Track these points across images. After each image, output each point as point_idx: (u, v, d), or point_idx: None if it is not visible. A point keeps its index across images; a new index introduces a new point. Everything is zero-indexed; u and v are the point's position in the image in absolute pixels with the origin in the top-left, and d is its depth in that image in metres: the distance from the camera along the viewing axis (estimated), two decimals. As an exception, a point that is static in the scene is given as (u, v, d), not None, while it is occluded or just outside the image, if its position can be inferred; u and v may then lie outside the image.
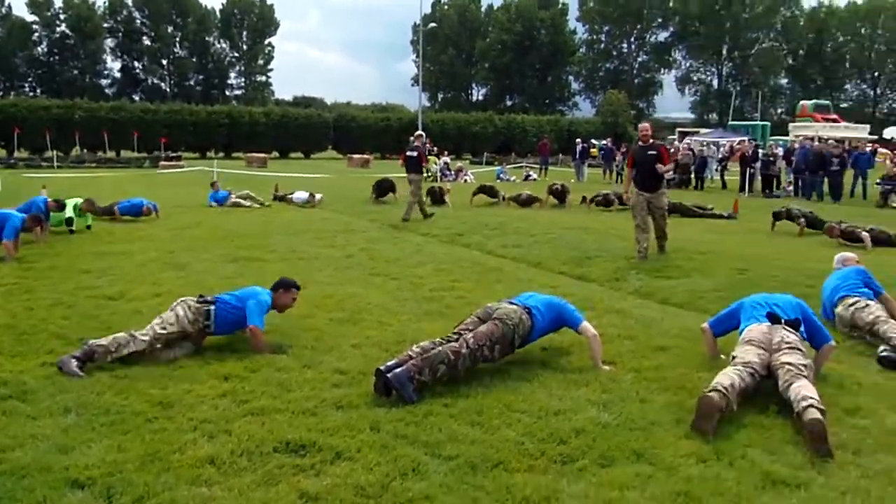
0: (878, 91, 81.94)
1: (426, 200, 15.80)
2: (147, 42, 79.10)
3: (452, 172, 29.22)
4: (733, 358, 4.54)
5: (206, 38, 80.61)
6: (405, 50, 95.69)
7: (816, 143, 25.83)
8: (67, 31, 73.40)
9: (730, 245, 11.45)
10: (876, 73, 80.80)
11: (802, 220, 13.07)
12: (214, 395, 4.48)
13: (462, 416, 4.17)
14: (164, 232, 12.03)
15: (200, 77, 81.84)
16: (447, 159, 31.92)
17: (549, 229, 12.81)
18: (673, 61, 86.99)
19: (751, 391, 4.31)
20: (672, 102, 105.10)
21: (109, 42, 77.79)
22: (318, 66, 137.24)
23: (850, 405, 4.42)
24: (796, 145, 25.48)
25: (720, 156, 29.83)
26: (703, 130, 54.46)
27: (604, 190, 18.65)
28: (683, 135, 47.81)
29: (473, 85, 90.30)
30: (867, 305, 6.00)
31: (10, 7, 72.39)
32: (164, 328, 5.20)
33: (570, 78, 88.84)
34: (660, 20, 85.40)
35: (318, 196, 17.56)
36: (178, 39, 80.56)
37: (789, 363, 4.33)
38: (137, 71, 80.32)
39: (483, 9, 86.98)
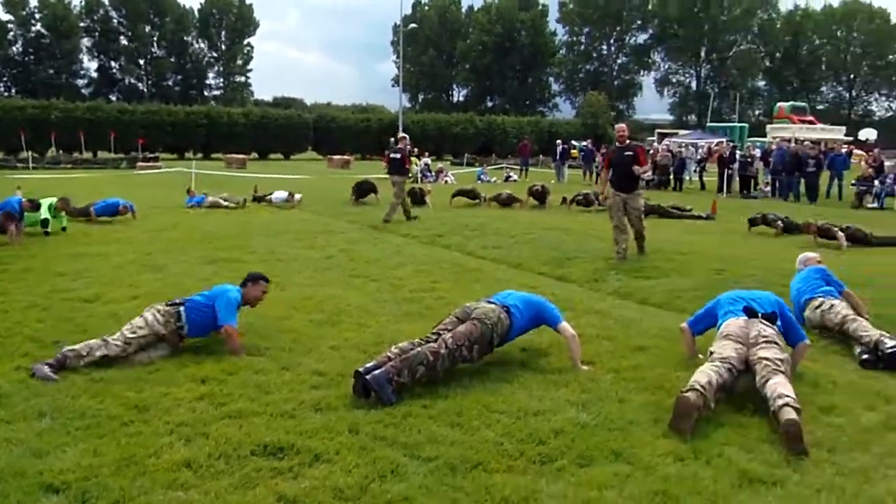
0: (854, 93, 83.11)
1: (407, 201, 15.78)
2: (124, 42, 78.23)
3: (433, 174, 29.24)
4: (711, 353, 4.57)
5: (185, 38, 79.90)
6: (385, 50, 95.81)
7: (793, 144, 26.12)
8: (43, 31, 72.36)
9: (708, 245, 11.54)
10: (851, 76, 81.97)
11: (779, 222, 13.21)
12: (191, 397, 4.44)
13: (441, 417, 4.17)
14: (142, 233, 11.91)
15: (178, 77, 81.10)
16: (428, 160, 31.93)
17: (529, 230, 12.85)
18: (652, 63, 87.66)
19: (729, 386, 4.35)
20: (651, 104, 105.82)
21: (86, 41, 76.86)
22: (298, 67, 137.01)
23: (826, 403, 4.48)
24: (773, 146, 25.75)
25: (698, 157, 30.10)
26: (681, 132, 54.86)
27: (584, 190, 18.75)
28: (662, 136, 48.16)
29: (454, 86, 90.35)
30: (832, 306, 6.07)
31: (-16, 6, 71.39)
32: (133, 332, 5.16)
33: (551, 79, 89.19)
34: (639, 22, 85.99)
35: (297, 196, 17.48)
36: (155, 39, 79.77)
37: (766, 358, 4.36)
38: (114, 71, 79.41)
39: (463, 10, 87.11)
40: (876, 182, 20.46)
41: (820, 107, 76.74)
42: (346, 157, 42.38)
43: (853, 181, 21.53)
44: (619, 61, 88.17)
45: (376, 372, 4.42)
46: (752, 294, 5.18)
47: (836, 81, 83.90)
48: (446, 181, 28.24)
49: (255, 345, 5.49)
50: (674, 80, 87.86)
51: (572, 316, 6.47)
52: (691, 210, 16.37)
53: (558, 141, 33.55)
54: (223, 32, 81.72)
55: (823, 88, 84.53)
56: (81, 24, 75.27)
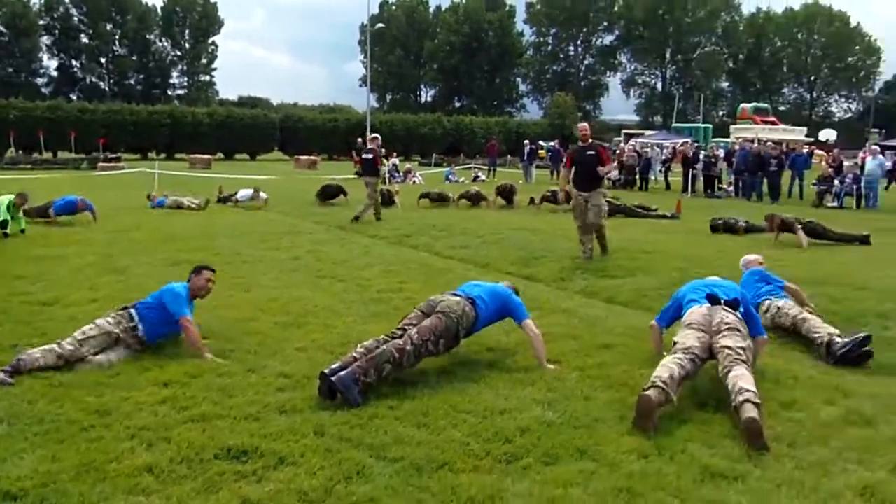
0: (814, 94, 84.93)
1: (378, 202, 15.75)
2: (85, 40, 76.82)
3: (401, 174, 29.18)
4: (675, 344, 4.61)
5: (147, 37, 78.68)
6: (353, 50, 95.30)
7: (756, 144, 26.58)
8: (1, 29, 70.71)
9: (673, 245, 11.68)
10: (812, 78, 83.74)
11: (742, 223, 13.41)
12: (153, 401, 4.37)
13: (408, 417, 4.16)
14: (102, 235, 11.69)
15: (141, 76, 79.86)
16: (396, 161, 31.88)
17: (497, 230, 12.89)
18: (618, 64, 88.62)
19: (693, 375, 4.41)
20: (618, 104, 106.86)
21: (45, 39, 75.29)
22: (264, 66, 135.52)
23: (786, 399, 4.56)
24: (737, 147, 26.18)
25: (663, 157, 30.48)
26: (647, 132, 55.58)
27: (552, 188, 18.87)
28: (629, 136, 48.75)
29: (422, 86, 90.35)
30: (779, 308, 6.17)
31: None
32: (83, 333, 5.09)
33: (518, 80, 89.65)
34: (605, 24, 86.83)
35: (262, 194, 17.32)
36: (117, 37, 78.43)
37: (728, 347, 4.42)
38: (75, 69, 77.96)
39: (431, 10, 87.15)
40: (836, 181, 20.88)
41: (782, 108, 78.28)
42: (313, 157, 42.09)
43: (814, 181, 21.95)
44: (585, 62, 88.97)
45: (342, 373, 4.39)
46: (716, 282, 5.25)
47: (797, 83, 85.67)
48: (414, 181, 28.23)
49: (219, 347, 5.42)
50: (640, 81, 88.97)
51: (539, 315, 6.51)
52: (657, 209, 16.56)
53: (526, 141, 33.71)
54: (187, 31, 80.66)
55: (785, 90, 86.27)
56: (41, 22, 73.72)
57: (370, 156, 14.90)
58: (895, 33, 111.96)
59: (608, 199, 16.82)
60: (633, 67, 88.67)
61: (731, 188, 23.76)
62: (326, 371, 4.43)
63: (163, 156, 45.50)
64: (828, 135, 54.35)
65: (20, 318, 6.29)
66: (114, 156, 37.89)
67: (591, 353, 5.51)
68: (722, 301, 4.78)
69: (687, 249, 11.11)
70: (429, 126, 56.11)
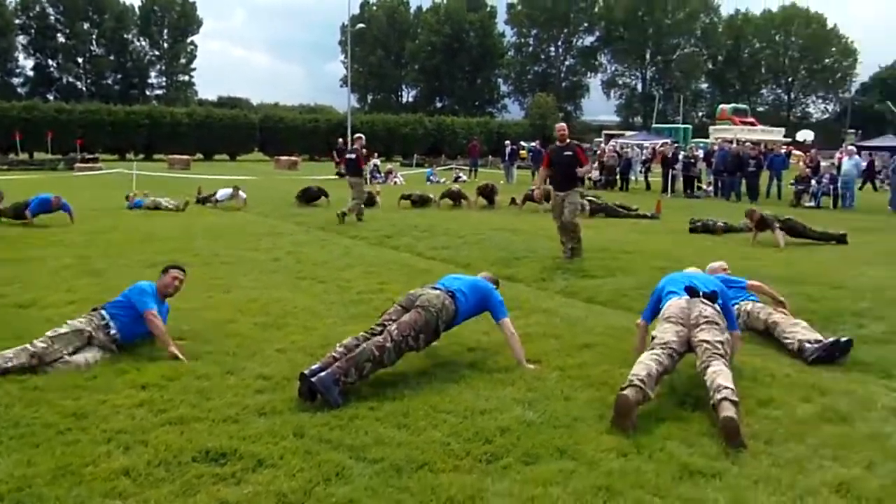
0: (792, 95, 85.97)
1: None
2: (62, 39, 76.03)
3: (382, 174, 29.13)
4: (653, 338, 4.64)
5: (125, 36, 78.03)
6: (333, 50, 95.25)
7: (734, 145, 26.82)
8: (-24, 28, 69.87)
9: (653, 245, 11.76)
10: (790, 79, 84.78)
11: (720, 225, 13.53)
12: (131, 404, 4.32)
13: (388, 418, 4.15)
14: (79, 236, 11.56)
15: (119, 76, 79.18)
16: (377, 161, 31.82)
17: (478, 230, 12.91)
18: (599, 65, 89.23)
19: (671, 370, 4.44)
20: (598, 105, 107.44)
21: (22, 39, 74.45)
22: (244, 66, 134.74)
23: (764, 397, 4.60)
24: (716, 147, 26.42)
25: (643, 158, 30.68)
26: (628, 133, 55.96)
27: (534, 188, 18.91)
28: (609, 137, 49.04)
29: (403, 86, 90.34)
30: (749, 312, 6.19)
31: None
32: (54, 332, 5.06)
33: (499, 80, 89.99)
34: (586, 25, 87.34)
35: (242, 194, 17.21)
36: (94, 37, 77.72)
37: (706, 341, 4.44)
38: (51, 69, 77.12)
39: (412, 10, 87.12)
40: (813, 182, 21.13)
41: (760, 109, 79.19)
42: (293, 157, 41.93)
43: (791, 181, 22.20)
44: (566, 63, 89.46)
45: (322, 374, 4.36)
46: (694, 275, 5.27)
47: (775, 84, 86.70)
48: (395, 182, 28.20)
49: (197, 349, 5.38)
50: (620, 82, 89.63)
51: (520, 315, 6.53)
52: (637, 209, 16.67)
53: (507, 142, 33.80)
54: (165, 30, 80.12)
55: (763, 91, 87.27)
56: (17, 21, 72.86)
57: (353, 156, 14.92)
58: (871, 35, 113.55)
59: (590, 198, 17.03)
60: (613, 68, 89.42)
61: (711, 188, 23.98)
62: (306, 372, 4.40)
63: (141, 156, 45.09)
64: (805, 135, 54.98)
65: (-5, 320, 6.19)
66: (91, 156, 37.49)
67: (572, 352, 5.52)
68: (700, 293, 4.80)
69: (667, 249, 11.18)
70: (410, 126, 56.10)
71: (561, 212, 9.91)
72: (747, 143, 27.52)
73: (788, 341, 5.65)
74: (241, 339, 5.72)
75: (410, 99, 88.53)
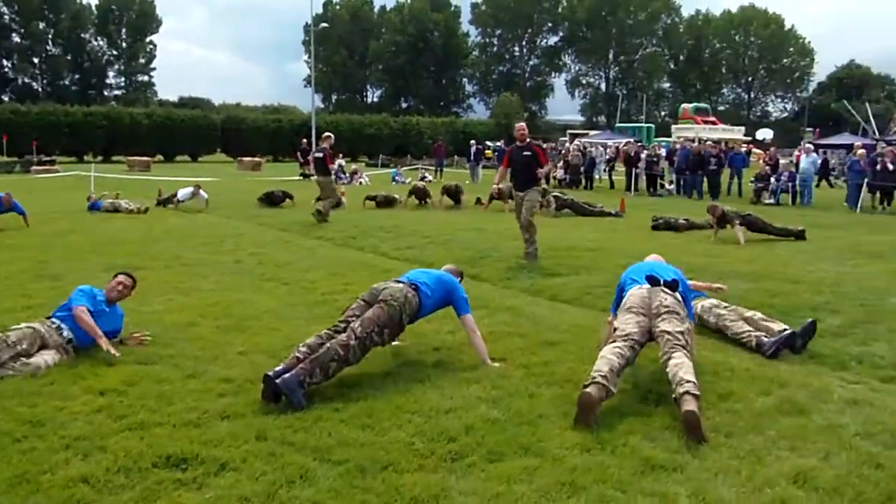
0: (752, 95, 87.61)
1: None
2: (17, 39, 74.29)
3: (347, 175, 28.98)
4: (615, 330, 4.68)
5: (82, 36, 76.53)
6: (297, 50, 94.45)
7: (696, 143, 27.21)
8: (-74, 27, 67.99)
9: (617, 243, 11.89)
10: (749, 79, 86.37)
11: (682, 222, 13.71)
12: (89, 410, 4.24)
13: (352, 419, 4.13)
14: (36, 240, 11.30)
15: (76, 76, 77.62)
16: (342, 162, 31.66)
17: (444, 231, 12.92)
18: (563, 65, 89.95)
19: (632, 361, 4.50)
20: (563, 105, 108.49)
21: (-26, 39, 72.58)
22: (205, 66, 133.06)
23: (724, 391, 4.66)
24: (678, 146, 26.77)
25: (607, 157, 30.99)
26: (592, 132, 56.41)
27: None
28: (574, 136, 49.32)
29: (368, 86, 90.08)
30: (702, 307, 6.21)
31: None
32: (5, 333, 4.99)
33: (465, 80, 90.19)
34: (549, 25, 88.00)
35: (203, 193, 16.99)
36: (50, 37, 76.08)
37: (667, 332, 4.49)
38: (6, 70, 75.25)
39: (375, 10, 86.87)
40: (772, 179, 21.53)
41: (721, 108, 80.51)
42: (256, 158, 41.50)
43: (752, 179, 22.62)
44: (531, 63, 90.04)
45: (286, 375, 4.32)
46: (656, 265, 5.31)
47: (735, 84, 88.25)
48: (361, 183, 28.09)
49: (158, 353, 5.30)
50: (584, 82, 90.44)
51: (486, 314, 6.55)
52: (602, 207, 16.83)
53: (472, 141, 33.88)
54: (123, 30, 78.71)
55: (724, 90, 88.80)
56: (-31, 21, 71.01)
57: (321, 154, 14.84)
58: (827, 35, 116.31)
59: (555, 194, 17.15)
60: (577, 68, 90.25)
61: (673, 187, 24.30)
62: (270, 373, 4.35)
63: (99, 158, 44.22)
64: (765, 134, 55.92)
65: (-53, 327, 6.02)
66: (48, 159, 36.74)
67: (536, 350, 5.55)
68: (661, 282, 4.84)
69: (630, 247, 11.29)
70: (375, 127, 55.98)
71: (521, 211, 9.93)
72: (708, 142, 27.93)
73: (745, 339, 5.74)
74: (202, 343, 5.64)
75: (375, 99, 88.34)
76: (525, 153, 9.86)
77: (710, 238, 12.29)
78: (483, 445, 3.79)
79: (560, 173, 27.25)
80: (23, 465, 3.52)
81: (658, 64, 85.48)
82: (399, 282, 5.14)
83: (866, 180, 19.24)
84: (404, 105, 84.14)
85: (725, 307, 6.24)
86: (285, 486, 3.34)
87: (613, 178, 28.07)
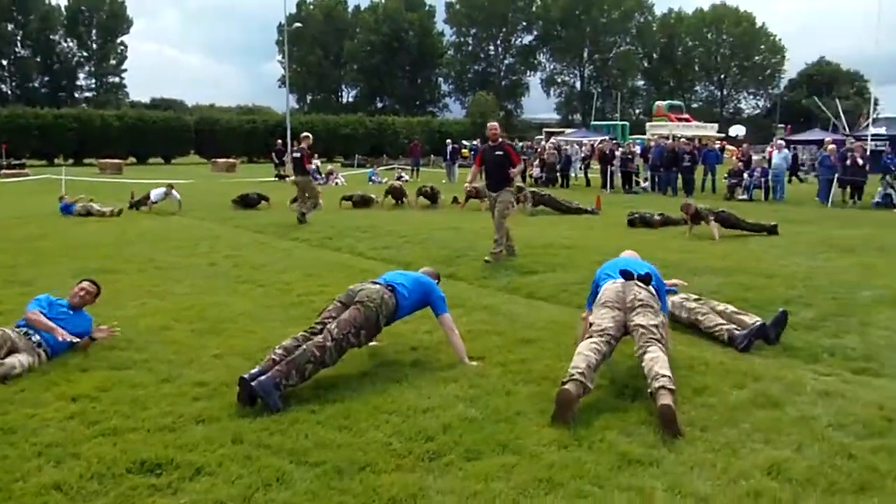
0: (724, 92, 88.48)
1: (294, 206, 15.62)
2: (-16, 40, 72.99)
3: (323, 176, 28.83)
4: (591, 325, 4.70)
5: (51, 37, 75.31)
6: (270, 50, 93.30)
7: (670, 141, 27.45)
8: None
9: (592, 240, 11.96)
10: (722, 76, 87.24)
11: (657, 217, 13.83)
12: (61, 417, 4.18)
13: (329, 421, 4.11)
14: (6, 244, 11.12)
15: (46, 78, 76.39)
16: (317, 162, 31.49)
17: (420, 230, 12.91)
18: (538, 64, 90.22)
19: (609, 356, 4.53)
20: (538, 103, 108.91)
21: (-59, 41, 71.22)
22: (177, 67, 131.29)
23: (699, 385, 4.71)
24: (652, 143, 27.00)
25: (583, 155, 31.13)
26: (567, 130, 56.67)
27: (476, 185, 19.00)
28: (550, 135, 49.52)
29: (343, 86, 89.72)
30: (672, 303, 6.26)
31: None
32: None
33: (440, 79, 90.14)
34: (524, 24, 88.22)
35: (175, 193, 16.83)
36: (19, 38, 74.80)
37: (642, 325, 4.53)
38: (-26, 72, 74.00)
39: (350, 9, 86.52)
40: (745, 175, 21.77)
41: (695, 105, 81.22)
42: (231, 160, 41.14)
43: (725, 175, 22.85)
44: (506, 62, 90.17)
45: (262, 378, 4.29)
46: (629, 260, 5.35)
47: (708, 81, 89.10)
48: (337, 183, 27.96)
49: (131, 358, 5.24)
50: (559, 81, 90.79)
51: (463, 312, 6.55)
52: (578, 205, 16.91)
53: (448, 141, 33.88)
54: (94, 31, 77.61)
55: (697, 88, 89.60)
56: (-65, 22, 69.64)
57: (299, 154, 14.79)
58: (798, 33, 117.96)
59: (533, 190, 17.21)
60: (552, 67, 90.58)
61: (648, 184, 24.49)
62: (246, 376, 4.32)
63: (70, 161, 43.56)
64: (737, 131, 56.55)
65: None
66: (18, 162, 36.15)
67: (513, 348, 5.56)
68: (635, 275, 4.88)
69: (606, 244, 11.35)
70: (351, 127, 55.76)
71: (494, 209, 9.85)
72: (682, 139, 28.17)
73: (718, 333, 5.80)
74: (177, 346, 5.59)
75: (350, 99, 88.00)
76: (497, 153, 9.73)
77: (684, 234, 12.41)
78: (461, 444, 3.79)
79: (536, 172, 27.35)
80: (-6, 473, 3.45)
81: (632, 62, 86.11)
82: (376, 283, 5.12)
83: (837, 175, 19.54)
84: (380, 105, 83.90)
85: (696, 299, 6.31)
86: (262, 490, 3.32)
87: (589, 175, 28.23)
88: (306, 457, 3.65)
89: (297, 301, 7.32)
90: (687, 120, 58.21)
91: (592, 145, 32.55)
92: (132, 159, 46.02)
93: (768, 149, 27.06)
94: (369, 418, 4.15)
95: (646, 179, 24.98)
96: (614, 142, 31.81)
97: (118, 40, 79.30)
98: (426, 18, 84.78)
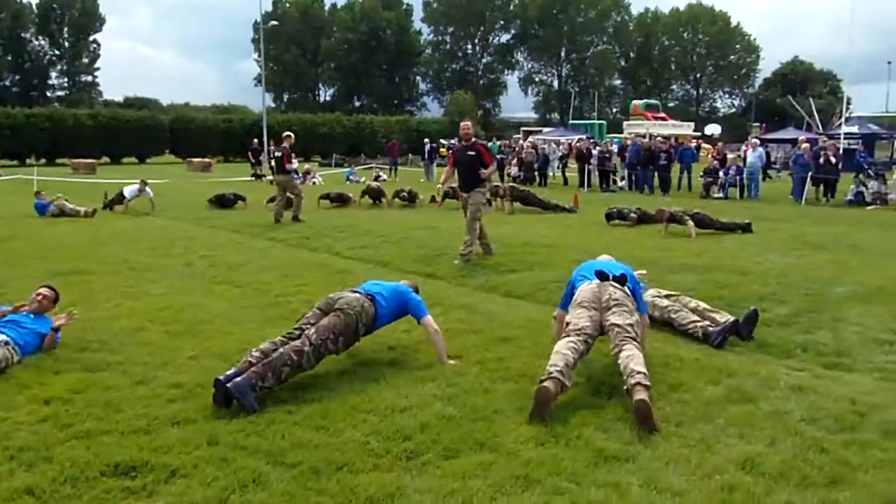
0: (700, 91, 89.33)
1: (271, 206, 15.54)
2: (-46, 39, 71.61)
3: (300, 175, 28.66)
4: (567, 325, 4.73)
5: (22, 35, 73.99)
6: (246, 48, 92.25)
7: (647, 139, 27.65)
8: None
9: (570, 238, 12.02)
10: (698, 75, 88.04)
11: (633, 215, 13.94)
12: (34, 420, 4.13)
13: (306, 421, 4.09)
14: (-23, 246, 10.92)
15: (16, 77, 75.01)
16: (296, 162, 31.26)
17: (398, 230, 12.90)
18: (516, 63, 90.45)
19: (586, 354, 4.57)
20: (516, 102, 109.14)
21: None
22: (152, 66, 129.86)
23: (674, 381, 4.76)
24: (629, 142, 27.17)
25: (560, 153, 31.25)
26: (545, 129, 56.88)
27: (453, 184, 19.01)
28: (527, 134, 49.66)
29: (320, 85, 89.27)
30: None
31: None
32: None
33: (418, 78, 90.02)
34: (502, 23, 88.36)
35: (149, 190, 16.67)
36: (-11, 36, 73.49)
37: (617, 325, 4.58)
38: (-57, 70, 72.58)
39: (326, 7, 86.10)
40: (721, 173, 22.00)
41: (671, 104, 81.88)
42: (206, 159, 40.74)
43: (701, 173, 23.07)
44: (484, 61, 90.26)
45: (238, 379, 4.26)
46: (605, 262, 5.41)
47: (684, 80, 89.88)
48: (314, 183, 27.82)
49: (105, 360, 5.18)
50: (537, 80, 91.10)
51: (441, 311, 6.55)
52: (556, 203, 16.97)
53: (426, 140, 33.85)
54: (65, 29, 76.35)
55: (674, 87, 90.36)
56: None
57: (279, 154, 14.76)
58: (772, 32, 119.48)
59: (511, 185, 17.22)
60: (530, 66, 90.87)
61: (625, 182, 24.65)
62: (221, 378, 4.29)
63: (43, 161, 42.89)
64: (713, 129, 57.10)
65: None
66: (-11, 162, 35.54)
67: (491, 346, 5.58)
68: (610, 276, 4.93)
69: (584, 242, 11.45)
70: (328, 126, 55.45)
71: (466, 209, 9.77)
72: (659, 138, 28.38)
73: (692, 330, 5.86)
74: (152, 348, 5.53)
75: (328, 98, 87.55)
76: (469, 153, 9.59)
77: (661, 232, 12.51)
78: (438, 443, 3.80)
79: (514, 171, 27.43)
80: (-36, 478, 3.40)
81: (609, 61, 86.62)
82: (356, 292, 5.12)
83: (810, 173, 19.80)
84: (357, 104, 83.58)
85: (667, 296, 6.37)
86: (238, 491, 3.30)
87: (567, 174, 28.35)
88: (283, 457, 3.63)
89: (274, 301, 7.28)
90: (663, 119, 58.64)
91: (570, 144, 32.66)
92: (106, 159, 45.38)
93: (743, 147, 27.34)
94: (346, 418, 4.14)
95: (623, 178, 25.14)
96: (591, 141, 31.97)
97: (91, 38, 78.14)
98: (403, 17, 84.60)
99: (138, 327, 6.12)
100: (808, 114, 44.66)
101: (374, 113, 67.50)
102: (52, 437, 3.90)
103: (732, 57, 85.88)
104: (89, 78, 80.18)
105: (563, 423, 4.02)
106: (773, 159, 30.45)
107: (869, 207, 18.30)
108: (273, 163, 15.26)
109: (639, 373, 4.16)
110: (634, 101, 65.19)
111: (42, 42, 76.27)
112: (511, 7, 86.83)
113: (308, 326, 4.79)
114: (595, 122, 59.57)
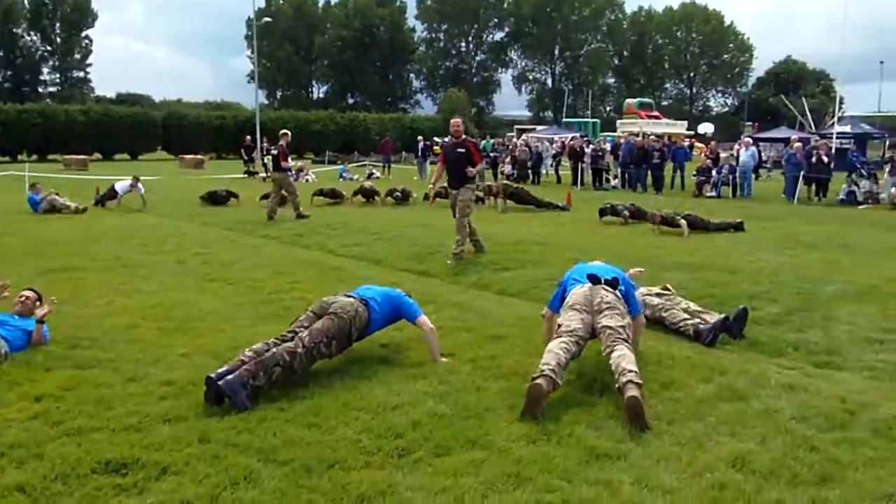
0: (694, 90, 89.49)
1: (264, 203, 15.50)
2: (-56, 34, 71.11)
3: (293, 172, 28.59)
4: (559, 326, 4.74)
5: (14, 31, 73.45)
6: (239, 45, 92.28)
7: (640, 138, 27.69)
8: None
9: (563, 236, 12.03)
10: (691, 74, 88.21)
11: (626, 212, 13.97)
12: (24, 417, 4.11)
13: (298, 419, 4.09)
14: (-33, 243, 10.87)
15: (8, 73, 74.48)
16: (291, 160, 31.20)
17: (391, 227, 12.89)
18: (509, 60, 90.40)
19: (577, 355, 4.59)
20: (510, 100, 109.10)
21: None
22: (144, 62, 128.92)
23: (666, 379, 4.77)
24: (622, 141, 27.22)
25: (554, 151, 31.27)
26: (539, 127, 56.88)
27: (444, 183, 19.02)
28: (521, 132, 49.66)
29: (313, 82, 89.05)
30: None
31: None
32: None
33: (412, 76, 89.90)
34: (496, 20, 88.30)
35: (140, 185, 16.60)
36: (-20, 32, 73.01)
37: (609, 327, 4.59)
38: (-67, 66, 72.08)
39: (320, 4, 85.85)
40: (713, 172, 22.05)
41: (664, 103, 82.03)
42: (199, 156, 40.58)
43: (694, 172, 23.11)
44: (477, 58, 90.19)
45: (229, 377, 4.26)
46: (597, 266, 5.42)
47: (678, 79, 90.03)
48: (307, 180, 27.72)
49: (96, 357, 5.16)
50: (531, 78, 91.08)
51: (434, 309, 6.55)
52: (549, 201, 16.99)
53: (420, 137, 33.83)
54: (57, 24, 75.84)
55: (667, 85, 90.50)
56: None
57: (275, 151, 14.77)
58: (765, 31, 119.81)
59: (505, 182, 17.20)
60: (523, 64, 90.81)
61: (618, 181, 24.68)
62: (213, 375, 4.28)
63: (34, 157, 42.66)
64: (706, 128, 57.21)
65: None
66: (-20, 158, 35.31)
67: (484, 344, 5.59)
68: (602, 280, 4.94)
69: (576, 240, 11.47)
70: (321, 123, 55.29)
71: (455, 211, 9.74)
72: (652, 136, 28.41)
73: (683, 328, 5.88)
74: (143, 345, 5.52)
75: (321, 95, 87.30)
76: (459, 150, 9.52)
77: (653, 231, 12.53)
78: (430, 440, 3.80)
79: (508, 169, 27.43)
80: (-46, 475, 3.39)
81: (603, 60, 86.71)
82: (349, 296, 5.12)
83: (803, 172, 19.87)
84: (351, 101, 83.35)
85: (657, 294, 6.39)
86: (229, 489, 3.30)
87: (560, 172, 28.37)
88: (274, 455, 3.63)
89: (267, 299, 7.26)
90: (657, 117, 58.74)
91: (563, 142, 32.68)
92: (98, 155, 45.15)
93: (736, 146, 27.41)
94: (338, 415, 4.14)
95: (616, 176, 25.15)
96: (585, 139, 32.00)
97: (83, 34, 77.66)
98: (397, 14, 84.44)
99: (130, 324, 6.10)
100: (800, 113, 44.83)
101: (368, 110, 67.36)
102: (43, 434, 3.89)
103: (726, 56, 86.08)
104: (81, 74, 79.72)
105: (554, 421, 4.03)
106: (764, 158, 30.52)
107: (861, 207, 18.38)
108: (269, 160, 15.23)
109: (630, 371, 4.17)
110: (628, 100, 65.31)
111: (34, 38, 75.79)
112: (505, 5, 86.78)
113: (301, 329, 4.80)
114: (589, 120, 59.68)
